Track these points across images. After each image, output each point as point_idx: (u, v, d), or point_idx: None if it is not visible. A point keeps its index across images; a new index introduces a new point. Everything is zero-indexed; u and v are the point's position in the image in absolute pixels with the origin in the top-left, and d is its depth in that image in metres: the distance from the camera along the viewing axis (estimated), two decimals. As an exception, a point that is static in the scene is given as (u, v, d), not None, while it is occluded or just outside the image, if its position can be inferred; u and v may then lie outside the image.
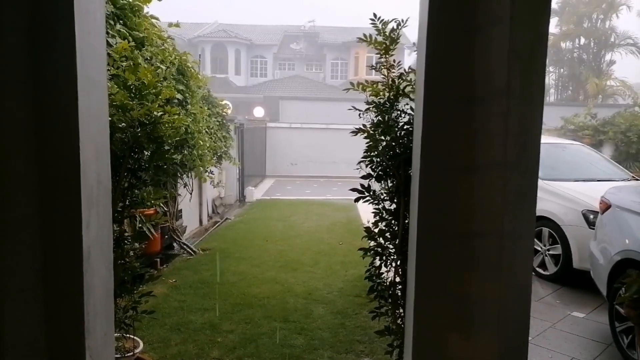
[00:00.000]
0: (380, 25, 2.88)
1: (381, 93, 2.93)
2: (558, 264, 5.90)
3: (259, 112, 18.22)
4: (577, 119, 16.75)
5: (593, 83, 26.56)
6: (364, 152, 2.96)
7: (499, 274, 1.54)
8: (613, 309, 3.94)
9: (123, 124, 3.00)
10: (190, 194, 7.41)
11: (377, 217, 2.97)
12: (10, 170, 1.51)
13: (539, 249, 6.15)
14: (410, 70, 2.86)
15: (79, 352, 1.55)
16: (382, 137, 2.86)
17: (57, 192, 1.52)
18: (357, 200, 3.03)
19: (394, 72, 2.93)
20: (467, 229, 1.54)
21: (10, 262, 1.52)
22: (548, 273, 6.02)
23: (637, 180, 7.17)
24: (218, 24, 33.85)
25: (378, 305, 2.97)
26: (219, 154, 8.94)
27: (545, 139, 5.77)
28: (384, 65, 2.94)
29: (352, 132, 3.01)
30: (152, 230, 3.44)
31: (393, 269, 2.91)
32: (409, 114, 2.82)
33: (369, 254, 2.98)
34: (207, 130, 7.53)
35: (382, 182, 2.94)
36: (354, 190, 3.01)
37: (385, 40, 2.90)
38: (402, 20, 2.86)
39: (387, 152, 2.83)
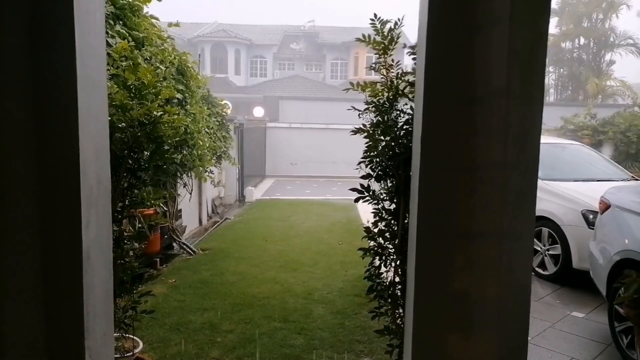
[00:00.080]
0: (379, 25, 2.88)
1: (380, 93, 2.93)
2: (558, 264, 5.90)
3: (258, 112, 18.22)
4: (576, 119, 16.77)
5: (593, 83, 26.57)
6: (364, 152, 2.96)
7: (498, 273, 1.54)
8: (612, 309, 3.95)
9: (123, 123, 3.00)
10: (190, 193, 7.41)
11: (377, 217, 2.98)
12: (10, 170, 1.51)
13: (539, 249, 6.16)
14: (408, 72, 2.86)
15: (78, 352, 1.55)
16: (382, 137, 2.87)
17: (57, 192, 1.52)
18: (356, 200, 3.03)
19: (392, 72, 2.93)
20: (467, 229, 1.54)
21: (10, 262, 1.52)
22: (548, 273, 6.03)
23: (637, 180, 7.17)
24: (218, 24, 33.85)
25: (378, 305, 2.97)
26: (218, 154, 8.94)
27: (545, 139, 5.77)
28: (382, 66, 2.95)
29: (352, 132, 3.01)
30: (150, 229, 3.44)
31: (392, 269, 2.91)
32: (408, 114, 2.82)
33: (368, 254, 2.98)
34: (206, 130, 7.53)
35: (382, 182, 2.94)
36: (353, 190, 3.01)
37: (384, 40, 2.91)
38: (399, 20, 2.87)
39: (387, 152, 2.83)
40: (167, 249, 6.66)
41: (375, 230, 2.97)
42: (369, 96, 2.97)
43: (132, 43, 4.19)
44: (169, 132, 3.24)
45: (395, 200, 2.87)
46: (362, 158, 2.97)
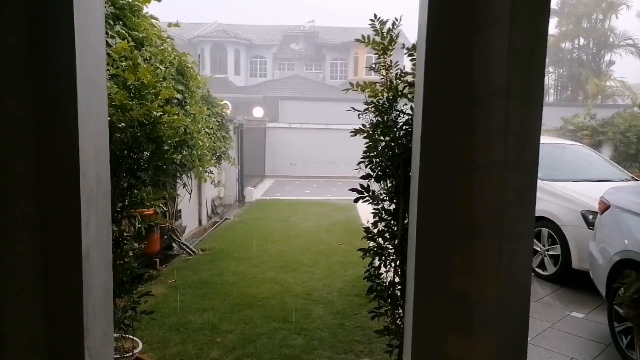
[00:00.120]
0: (378, 26, 2.88)
1: (380, 93, 2.94)
2: (557, 264, 5.90)
3: (258, 112, 18.22)
4: (576, 119, 16.77)
5: (593, 83, 26.58)
6: (363, 153, 2.96)
7: (498, 274, 1.54)
8: (612, 309, 3.95)
9: (122, 124, 3.00)
10: (190, 194, 7.41)
11: (377, 218, 2.98)
12: (10, 170, 1.51)
13: (538, 249, 6.16)
14: (407, 72, 2.86)
15: (78, 352, 1.55)
16: (382, 138, 2.87)
17: (57, 192, 1.52)
18: (356, 200, 3.03)
19: (392, 73, 2.93)
20: (467, 229, 1.54)
21: (10, 262, 1.52)
22: (547, 273, 6.03)
23: (636, 180, 7.17)
24: (217, 24, 33.86)
25: (377, 306, 2.97)
26: (218, 154, 8.94)
27: (544, 139, 5.77)
28: (382, 66, 2.95)
29: (352, 132, 3.01)
30: (149, 230, 3.44)
31: (392, 269, 2.91)
32: (407, 115, 2.82)
33: (368, 254, 2.98)
34: (206, 130, 7.53)
35: (382, 182, 2.94)
36: (353, 190, 3.01)
37: (383, 40, 2.91)
38: (396, 19, 2.86)
39: (387, 153, 2.83)
40: (166, 249, 6.66)
41: (375, 230, 2.97)
42: (369, 96, 2.97)
43: (132, 43, 4.19)
44: (168, 132, 3.24)
45: (395, 201, 2.87)
46: (361, 158, 2.97)
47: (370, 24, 2.89)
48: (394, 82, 2.90)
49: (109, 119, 2.44)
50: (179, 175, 6.47)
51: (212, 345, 3.90)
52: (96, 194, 1.64)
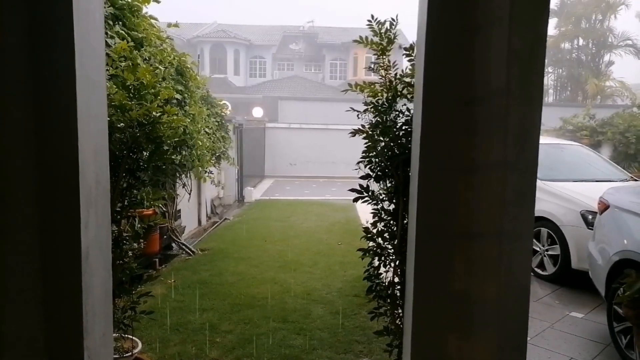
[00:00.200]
0: (376, 27, 2.88)
1: (379, 94, 2.94)
2: (557, 265, 5.91)
3: (257, 112, 18.22)
4: (575, 119, 16.77)
5: (592, 84, 26.60)
6: (363, 153, 2.96)
7: (497, 274, 1.55)
8: (611, 309, 3.95)
9: (122, 124, 3.00)
10: (189, 194, 7.41)
11: (376, 218, 2.98)
12: (9, 170, 1.50)
13: (538, 249, 6.16)
14: (406, 73, 2.86)
15: (77, 352, 1.54)
16: (381, 138, 2.87)
17: (56, 192, 1.52)
18: (355, 200, 3.03)
19: (391, 73, 2.93)
20: (466, 229, 1.54)
21: (10, 262, 1.52)
22: (547, 273, 6.03)
23: (636, 180, 7.18)
24: (217, 24, 33.85)
25: (377, 306, 2.97)
26: (217, 155, 8.94)
27: (544, 139, 5.78)
28: (381, 66, 2.95)
29: (351, 132, 3.01)
30: (149, 230, 3.44)
31: (392, 269, 2.91)
32: (407, 115, 2.82)
33: (367, 254, 2.98)
34: (206, 130, 7.53)
35: (381, 182, 2.94)
36: (352, 190, 3.01)
37: (382, 41, 2.91)
38: (393, 19, 2.86)
39: (386, 153, 2.83)
40: (166, 250, 6.66)
41: (375, 230, 2.97)
42: (368, 97, 2.97)
43: (131, 43, 4.18)
44: (168, 132, 3.24)
45: (394, 201, 2.87)
46: (361, 158, 2.97)
47: (367, 25, 2.89)
48: (393, 82, 2.90)
49: (109, 119, 2.44)
50: (178, 175, 6.47)
51: (212, 345, 3.90)
52: (95, 194, 1.64)
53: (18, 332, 1.54)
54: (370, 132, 2.89)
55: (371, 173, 2.96)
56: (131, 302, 3.18)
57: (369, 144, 2.91)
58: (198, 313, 4.55)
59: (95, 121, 1.64)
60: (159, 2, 4.81)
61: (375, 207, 2.96)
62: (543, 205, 5.97)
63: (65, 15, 1.47)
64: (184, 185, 6.97)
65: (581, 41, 29.91)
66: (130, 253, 3.16)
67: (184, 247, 6.87)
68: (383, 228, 2.95)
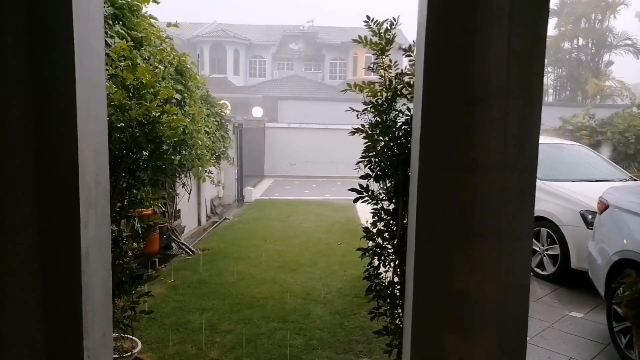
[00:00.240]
0: (374, 27, 2.88)
1: (379, 93, 2.93)
2: (556, 264, 5.91)
3: (257, 112, 18.22)
4: (575, 119, 16.76)
5: (592, 83, 26.60)
6: (363, 153, 2.96)
7: (497, 274, 1.55)
8: (611, 309, 3.95)
9: (121, 123, 3.00)
10: (189, 194, 7.41)
11: (376, 218, 2.98)
12: (9, 170, 1.50)
13: (538, 249, 6.16)
14: (406, 72, 2.86)
15: (77, 352, 1.55)
16: (381, 138, 2.87)
17: (56, 192, 1.52)
18: (355, 200, 3.03)
19: (391, 73, 2.93)
20: (466, 229, 1.54)
21: (10, 262, 1.52)
22: (546, 273, 6.03)
23: (635, 180, 7.18)
24: (217, 24, 33.84)
25: (377, 306, 2.97)
26: (217, 154, 8.94)
27: (543, 139, 5.77)
28: (380, 66, 2.95)
29: (351, 132, 3.01)
30: (148, 230, 3.44)
31: (391, 269, 2.91)
32: (406, 115, 2.82)
33: (367, 254, 2.98)
34: (206, 130, 7.53)
35: (381, 182, 2.94)
36: (352, 190, 3.01)
37: (381, 41, 2.91)
38: (394, 20, 2.86)
39: (386, 153, 2.83)
40: (166, 249, 6.65)
41: (374, 230, 2.97)
42: (367, 96, 2.97)
43: (131, 43, 4.18)
44: (167, 132, 3.24)
45: (394, 201, 2.87)
46: (360, 158, 2.97)
47: (365, 25, 2.89)
48: (393, 82, 2.90)
49: (108, 118, 2.44)
50: (178, 175, 6.47)
51: (212, 345, 3.90)
52: (95, 194, 1.64)
53: (18, 332, 1.54)
54: (369, 132, 2.89)
55: (371, 173, 2.96)
56: (131, 302, 3.18)
57: (369, 143, 2.91)
58: (198, 313, 4.55)
59: (95, 121, 1.64)
60: (158, 3, 4.81)
61: (375, 206, 2.95)
62: (543, 205, 5.97)
63: (65, 15, 1.47)
64: (183, 185, 6.97)
65: (581, 41, 29.92)
66: (130, 253, 3.16)
67: (183, 246, 6.87)
68: (383, 228, 2.95)
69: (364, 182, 2.97)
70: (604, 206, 4.54)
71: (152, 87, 3.25)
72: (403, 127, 2.81)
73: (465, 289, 1.55)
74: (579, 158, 7.60)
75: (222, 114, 9.68)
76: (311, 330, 4.21)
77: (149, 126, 3.09)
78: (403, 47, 2.71)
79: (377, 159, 2.92)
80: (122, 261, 3.07)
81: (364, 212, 3.62)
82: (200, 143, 6.42)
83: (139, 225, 3.34)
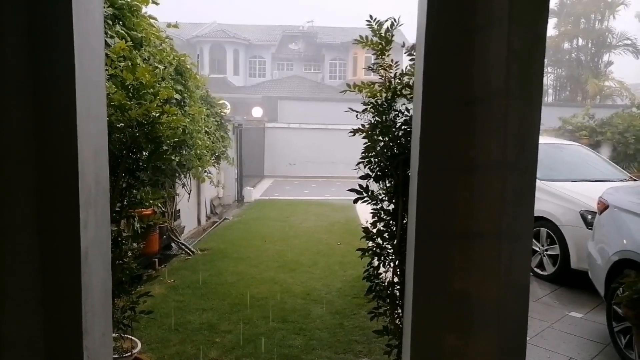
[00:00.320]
0: (375, 26, 2.88)
1: (379, 94, 2.93)
2: (556, 264, 5.91)
3: (257, 112, 18.22)
4: (575, 119, 16.77)
5: (592, 83, 26.61)
6: (362, 153, 2.96)
7: (497, 274, 1.55)
8: (611, 309, 3.95)
9: (121, 124, 2.99)
10: (189, 194, 7.41)
11: (376, 218, 2.97)
12: (9, 170, 1.50)
13: (537, 249, 6.16)
14: (406, 72, 2.86)
15: (77, 352, 1.54)
16: (380, 138, 2.87)
17: (56, 192, 1.52)
18: (355, 201, 3.03)
19: (390, 73, 2.93)
20: (466, 229, 1.54)
21: (10, 262, 1.52)
22: (546, 273, 6.03)
23: (635, 180, 7.18)
24: (217, 24, 33.84)
25: (376, 306, 2.97)
26: (217, 154, 8.94)
27: (543, 139, 5.78)
28: (380, 66, 2.95)
29: (351, 132, 3.01)
30: (147, 230, 3.44)
31: (391, 269, 2.91)
32: (406, 115, 2.82)
33: (367, 254, 2.98)
34: (206, 129, 7.53)
35: (381, 182, 2.94)
36: (352, 190, 3.01)
37: (381, 41, 2.91)
38: (395, 20, 2.86)
39: (385, 153, 2.83)
40: (165, 249, 6.65)
41: (374, 230, 2.97)
42: (367, 97, 2.97)
43: (131, 43, 4.18)
44: (167, 132, 3.24)
45: (394, 201, 2.87)
46: (360, 158, 2.97)
47: (367, 25, 2.89)
48: (393, 82, 2.90)
49: (108, 119, 2.44)
50: (177, 175, 6.46)
51: (211, 345, 3.90)
52: (95, 194, 1.64)
53: (17, 332, 1.54)
54: (369, 132, 2.89)
55: (370, 173, 2.95)
56: (130, 302, 3.18)
57: (369, 143, 2.91)
58: (197, 313, 4.55)
59: (94, 121, 1.64)
60: (157, 4, 4.81)
61: (375, 207, 2.95)
62: (542, 205, 5.97)
63: (65, 16, 1.47)
64: (183, 185, 6.97)
65: (580, 41, 29.94)
66: (129, 253, 3.16)
67: (183, 247, 6.87)
68: (382, 228, 2.95)
69: (363, 183, 2.97)
70: (603, 206, 4.54)
71: (152, 87, 3.25)
72: (403, 127, 2.81)
73: (465, 289, 1.55)
74: (579, 158, 7.61)
75: (222, 114, 9.68)
76: (311, 330, 4.21)
77: (149, 126, 3.09)
78: (407, 45, 2.69)
79: (376, 159, 2.92)
80: (121, 261, 3.07)
81: (364, 212, 3.62)
82: (200, 143, 6.42)
83: (138, 225, 3.35)
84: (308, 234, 8.38)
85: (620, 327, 3.84)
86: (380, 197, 2.95)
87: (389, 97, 2.88)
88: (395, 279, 2.90)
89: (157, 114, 3.13)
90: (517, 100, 1.50)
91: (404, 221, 2.75)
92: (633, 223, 4.00)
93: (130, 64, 3.60)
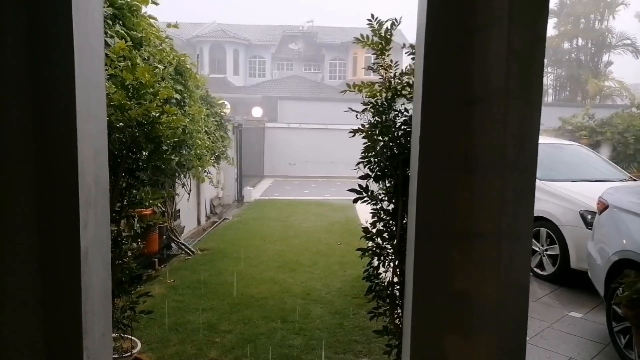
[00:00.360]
0: (376, 26, 2.88)
1: (378, 94, 2.93)
2: (556, 264, 5.91)
3: (257, 112, 18.23)
4: (574, 119, 16.76)
5: (592, 83, 26.62)
6: (362, 153, 2.96)
7: (497, 274, 1.55)
8: (610, 309, 3.95)
9: (121, 123, 2.99)
10: (189, 194, 7.41)
11: (375, 218, 2.97)
12: (9, 170, 1.50)
13: (537, 249, 6.16)
14: (405, 72, 2.86)
15: (76, 352, 1.54)
16: (380, 138, 2.87)
17: (56, 192, 1.52)
18: (355, 200, 3.03)
19: (390, 73, 2.93)
20: (465, 229, 1.54)
21: (10, 262, 1.52)
22: (546, 273, 6.03)
23: (635, 180, 7.19)
24: (216, 24, 33.84)
25: (376, 306, 2.97)
26: (216, 154, 8.94)
27: (543, 139, 5.78)
28: (380, 66, 2.95)
29: (350, 132, 3.01)
30: (147, 230, 3.44)
31: (391, 269, 2.91)
32: (405, 115, 2.82)
33: (367, 254, 2.98)
34: (206, 129, 7.53)
35: (380, 182, 2.94)
36: (352, 190, 3.01)
37: (381, 40, 2.91)
38: (396, 20, 2.86)
39: (385, 153, 2.83)
40: (165, 249, 6.65)
41: (374, 230, 2.97)
42: (367, 97, 2.97)
43: (130, 43, 4.18)
44: (167, 132, 3.24)
45: (393, 201, 2.87)
46: (360, 158, 2.97)
47: (368, 24, 2.89)
48: (393, 82, 2.90)
49: (108, 119, 2.44)
50: (177, 175, 6.46)
51: (211, 345, 3.90)
52: (95, 194, 1.64)
53: (18, 332, 1.54)
54: (369, 132, 2.89)
55: (370, 173, 2.95)
56: (130, 302, 3.18)
57: (368, 143, 2.91)
58: (197, 313, 4.55)
59: (94, 121, 1.64)
60: (157, 4, 4.81)
61: (375, 207, 2.95)
62: (542, 205, 5.97)
63: (65, 16, 1.47)
64: (183, 185, 6.97)
65: (580, 41, 29.95)
66: (129, 253, 3.16)
67: (183, 247, 6.87)
68: (382, 228, 2.95)
69: (363, 183, 2.97)
70: (603, 206, 4.54)
71: (152, 87, 3.25)
72: (402, 127, 2.81)
73: (465, 289, 1.55)
74: (579, 158, 7.61)
75: (222, 114, 9.68)
76: (311, 330, 4.21)
77: (149, 126, 3.09)
78: (408, 44, 2.69)
79: (376, 159, 2.92)
80: (121, 261, 3.07)
81: (364, 212, 3.62)
82: (199, 143, 6.42)
83: (138, 225, 3.35)
84: (308, 234, 8.38)
85: (620, 327, 3.84)
86: (380, 197, 2.95)
87: (389, 97, 2.88)
88: (395, 279, 2.90)
89: (157, 114, 3.13)
90: (517, 100, 1.50)
91: (404, 221, 2.75)
92: (633, 223, 4.00)
93: (130, 63, 3.60)
